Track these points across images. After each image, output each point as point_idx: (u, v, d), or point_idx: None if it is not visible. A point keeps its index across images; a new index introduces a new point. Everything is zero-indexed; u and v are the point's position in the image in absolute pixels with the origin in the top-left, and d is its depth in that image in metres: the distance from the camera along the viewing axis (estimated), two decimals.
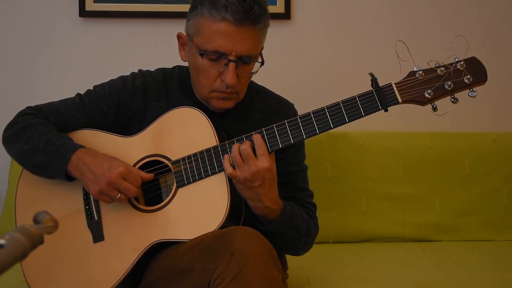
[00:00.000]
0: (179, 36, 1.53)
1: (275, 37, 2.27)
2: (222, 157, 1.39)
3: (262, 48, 1.50)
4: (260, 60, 1.47)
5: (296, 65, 2.33)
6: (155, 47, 2.23)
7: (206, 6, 1.40)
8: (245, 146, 1.34)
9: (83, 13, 2.22)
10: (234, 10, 1.36)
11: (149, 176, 1.42)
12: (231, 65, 1.40)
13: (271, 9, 2.28)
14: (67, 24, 2.24)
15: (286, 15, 2.28)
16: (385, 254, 2.03)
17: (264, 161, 1.33)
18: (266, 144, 1.36)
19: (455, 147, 2.23)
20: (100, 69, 2.24)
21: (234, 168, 1.35)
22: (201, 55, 1.42)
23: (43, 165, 1.44)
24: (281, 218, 1.40)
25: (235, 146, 1.35)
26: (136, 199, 1.47)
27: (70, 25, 2.24)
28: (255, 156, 1.34)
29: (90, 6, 2.22)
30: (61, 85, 2.23)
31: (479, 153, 2.24)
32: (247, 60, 1.43)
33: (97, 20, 2.25)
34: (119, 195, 1.38)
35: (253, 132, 1.38)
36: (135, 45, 2.27)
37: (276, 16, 2.27)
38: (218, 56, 1.41)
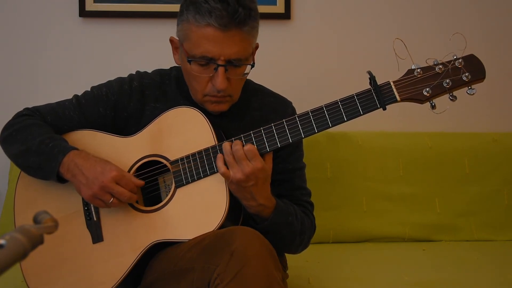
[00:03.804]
0: (171, 41, 1.52)
1: (275, 37, 2.29)
2: None
3: (257, 47, 1.49)
4: (251, 62, 1.45)
5: (296, 65, 2.33)
6: (154, 47, 2.22)
7: (191, 12, 1.38)
8: (238, 147, 1.33)
9: (83, 13, 2.22)
10: (218, 15, 1.34)
11: (140, 182, 1.42)
12: (220, 69, 1.39)
13: (271, 9, 2.31)
14: (67, 24, 2.24)
15: (286, 15, 2.28)
16: (385, 254, 2.03)
17: (257, 162, 1.32)
18: (264, 143, 1.36)
19: (455, 147, 2.23)
20: (100, 69, 2.24)
21: (227, 168, 1.34)
22: (189, 61, 1.41)
23: (37, 166, 1.44)
24: (274, 215, 1.40)
25: (227, 146, 1.34)
26: None
27: (70, 25, 2.24)
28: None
29: (90, 6, 2.22)
30: (61, 85, 2.23)
31: (479, 153, 2.23)
32: (236, 63, 1.40)
33: (97, 20, 2.25)
34: (112, 199, 1.38)
35: (251, 132, 1.38)
36: (135, 45, 2.27)
37: (276, 16, 2.28)
38: (207, 61, 1.40)
